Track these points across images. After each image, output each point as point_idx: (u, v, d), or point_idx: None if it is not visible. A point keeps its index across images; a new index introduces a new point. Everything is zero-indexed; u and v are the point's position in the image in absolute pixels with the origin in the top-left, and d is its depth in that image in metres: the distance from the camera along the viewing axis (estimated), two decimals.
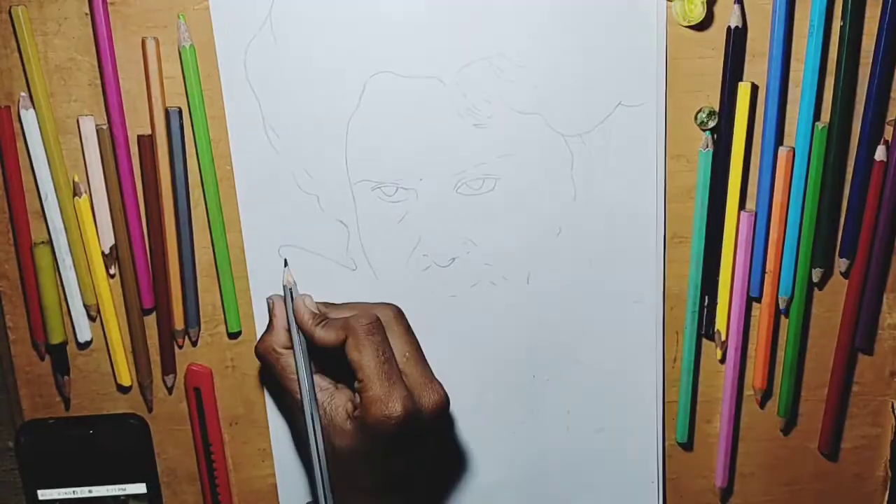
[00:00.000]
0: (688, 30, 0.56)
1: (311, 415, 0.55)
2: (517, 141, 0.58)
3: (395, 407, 0.52)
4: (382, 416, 0.52)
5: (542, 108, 0.57)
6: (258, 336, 0.60)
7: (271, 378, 0.59)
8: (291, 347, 0.56)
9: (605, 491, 0.65)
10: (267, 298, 0.59)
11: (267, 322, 0.58)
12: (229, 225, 0.60)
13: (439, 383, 0.56)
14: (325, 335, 0.55)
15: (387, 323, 0.56)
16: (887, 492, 0.65)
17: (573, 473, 0.65)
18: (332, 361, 0.56)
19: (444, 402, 0.55)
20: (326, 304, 0.58)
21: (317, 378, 0.56)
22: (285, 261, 0.58)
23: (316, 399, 0.55)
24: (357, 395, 0.54)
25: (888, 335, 0.62)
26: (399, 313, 0.57)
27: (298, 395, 0.55)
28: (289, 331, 0.57)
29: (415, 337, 0.57)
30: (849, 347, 0.61)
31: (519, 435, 0.63)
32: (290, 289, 0.57)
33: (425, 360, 0.57)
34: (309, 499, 0.64)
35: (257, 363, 0.62)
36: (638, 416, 0.63)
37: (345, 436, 0.54)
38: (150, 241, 0.59)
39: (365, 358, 0.53)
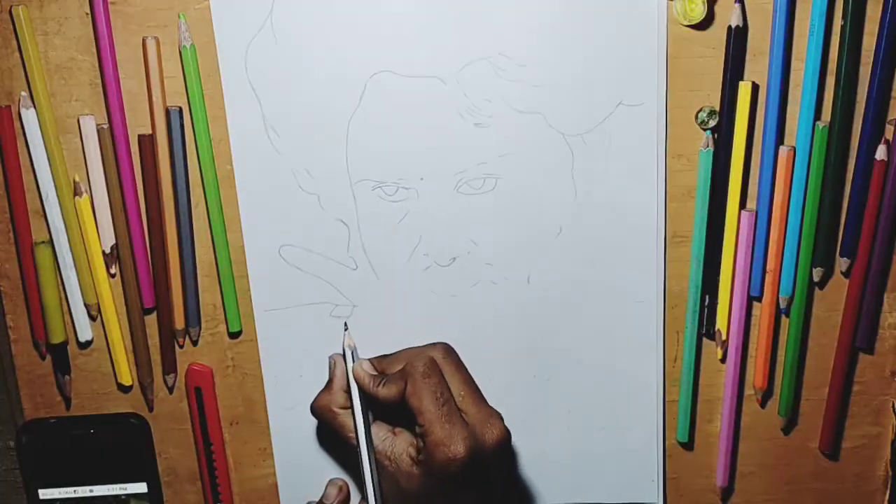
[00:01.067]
0: (688, 29, 0.56)
1: (371, 474, 0.57)
2: (518, 140, 0.58)
3: (458, 449, 0.53)
4: (447, 458, 0.53)
5: (542, 107, 0.57)
6: (258, 335, 0.61)
7: (275, 382, 0.61)
8: (348, 407, 0.58)
9: (605, 490, 0.65)
10: (329, 357, 0.60)
11: (326, 380, 0.60)
12: (230, 224, 0.60)
13: (498, 416, 0.56)
14: (387, 393, 0.56)
15: (438, 361, 0.57)
16: (888, 491, 0.65)
17: (574, 472, 0.65)
18: (386, 406, 0.57)
19: (505, 436, 0.56)
20: (380, 358, 0.60)
21: (375, 427, 0.58)
22: (346, 324, 0.60)
23: (375, 455, 0.57)
24: (419, 439, 0.55)
25: (889, 334, 0.62)
26: (449, 351, 0.58)
27: (357, 449, 0.57)
28: (347, 392, 0.58)
29: (467, 372, 0.58)
30: (849, 347, 0.61)
31: (520, 434, 0.63)
32: (352, 351, 0.59)
33: (481, 395, 0.58)
34: (310, 499, 0.64)
35: (258, 363, 0.62)
36: (639, 416, 0.63)
37: (412, 479, 0.55)
38: (150, 240, 0.59)
39: (424, 403, 0.54)
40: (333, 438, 0.60)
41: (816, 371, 0.63)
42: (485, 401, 0.57)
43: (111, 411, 0.63)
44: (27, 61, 0.56)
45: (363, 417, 0.57)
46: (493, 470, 0.56)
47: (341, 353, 0.60)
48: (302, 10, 0.55)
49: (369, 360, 0.59)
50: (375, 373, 0.58)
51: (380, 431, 0.58)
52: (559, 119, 0.58)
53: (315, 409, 0.59)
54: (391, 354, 0.60)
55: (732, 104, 0.57)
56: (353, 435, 0.58)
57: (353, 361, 0.59)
